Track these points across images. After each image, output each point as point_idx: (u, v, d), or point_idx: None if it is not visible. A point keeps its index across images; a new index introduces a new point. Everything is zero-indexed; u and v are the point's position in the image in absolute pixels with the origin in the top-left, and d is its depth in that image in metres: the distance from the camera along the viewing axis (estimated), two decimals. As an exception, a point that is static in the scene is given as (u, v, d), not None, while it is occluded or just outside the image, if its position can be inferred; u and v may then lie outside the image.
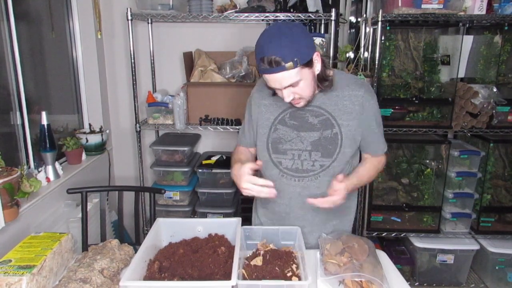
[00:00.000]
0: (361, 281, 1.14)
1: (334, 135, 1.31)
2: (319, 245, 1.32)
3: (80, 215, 1.81)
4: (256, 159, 1.46)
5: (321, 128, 1.32)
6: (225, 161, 2.63)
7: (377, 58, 2.20)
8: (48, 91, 2.38)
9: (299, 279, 1.11)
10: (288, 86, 1.20)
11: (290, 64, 1.13)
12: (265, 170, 1.41)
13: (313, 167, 1.34)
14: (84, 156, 2.42)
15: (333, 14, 2.19)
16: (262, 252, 1.23)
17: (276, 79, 1.18)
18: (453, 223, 2.48)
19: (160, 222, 1.36)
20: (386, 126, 2.28)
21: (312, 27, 2.71)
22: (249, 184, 1.23)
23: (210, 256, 1.20)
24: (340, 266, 1.18)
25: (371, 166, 1.40)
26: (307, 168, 1.34)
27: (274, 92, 1.32)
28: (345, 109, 1.31)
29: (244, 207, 2.68)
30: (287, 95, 1.22)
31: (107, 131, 2.62)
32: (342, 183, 1.23)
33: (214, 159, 2.64)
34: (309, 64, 1.18)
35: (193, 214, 2.64)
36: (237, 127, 2.39)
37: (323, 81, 1.28)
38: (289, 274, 1.13)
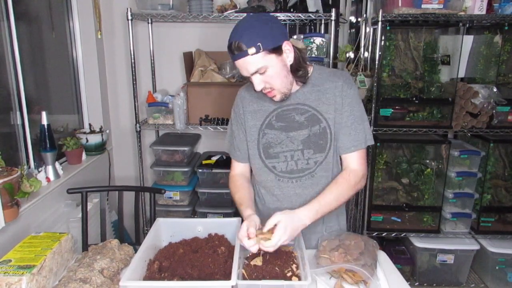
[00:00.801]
0: (353, 274, 1.15)
1: (323, 129, 1.31)
2: (318, 243, 1.33)
3: (80, 215, 1.81)
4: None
5: (309, 124, 1.31)
6: (225, 161, 2.63)
7: (377, 58, 2.20)
8: (48, 91, 2.38)
9: (299, 279, 1.11)
10: (255, 73, 1.19)
11: (252, 49, 1.14)
12: (260, 176, 1.40)
13: (308, 165, 1.33)
14: (84, 156, 2.42)
15: (333, 14, 2.19)
16: (262, 252, 1.23)
17: (241, 65, 1.19)
18: (453, 223, 2.48)
19: (160, 222, 1.36)
20: (386, 126, 2.30)
21: (312, 27, 2.71)
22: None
23: (210, 256, 1.20)
24: (332, 260, 1.20)
25: (339, 187, 1.29)
26: (303, 167, 1.34)
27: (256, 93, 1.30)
28: (328, 102, 1.30)
29: (244, 207, 2.67)
30: (257, 83, 1.22)
31: (107, 131, 2.62)
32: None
33: (214, 159, 2.64)
34: (276, 51, 1.18)
35: (193, 214, 2.64)
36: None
37: (297, 72, 1.26)
38: (289, 274, 1.13)
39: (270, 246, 1.11)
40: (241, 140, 1.42)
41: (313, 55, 2.33)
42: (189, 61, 2.61)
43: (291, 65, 1.24)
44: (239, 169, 1.48)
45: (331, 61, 2.24)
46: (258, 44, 1.14)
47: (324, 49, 2.31)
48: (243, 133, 1.40)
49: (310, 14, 2.24)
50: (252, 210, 1.28)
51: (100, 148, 2.52)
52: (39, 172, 1.99)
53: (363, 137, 1.33)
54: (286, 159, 1.34)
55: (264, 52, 1.15)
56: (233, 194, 1.41)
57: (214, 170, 2.54)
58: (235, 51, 1.16)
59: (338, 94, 1.29)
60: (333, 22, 2.21)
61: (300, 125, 1.32)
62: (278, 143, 1.33)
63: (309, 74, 1.32)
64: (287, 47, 1.20)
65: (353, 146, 1.32)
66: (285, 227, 1.13)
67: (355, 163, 1.33)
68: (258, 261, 1.19)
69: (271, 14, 1.26)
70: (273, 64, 1.19)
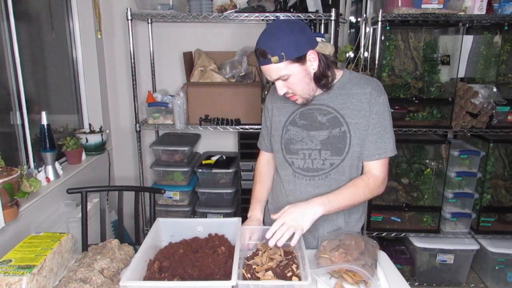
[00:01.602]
0: (353, 274, 1.15)
1: (342, 133, 1.32)
2: (319, 243, 1.33)
3: (80, 215, 1.81)
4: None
5: (330, 126, 1.33)
6: (225, 161, 2.64)
7: (377, 58, 2.20)
8: (48, 91, 2.38)
9: (299, 279, 1.11)
10: (278, 79, 1.25)
11: (275, 58, 1.18)
12: (280, 170, 1.45)
13: (323, 166, 1.35)
14: (84, 156, 2.42)
15: (333, 14, 2.19)
16: (262, 252, 1.24)
17: (265, 71, 1.25)
18: (453, 223, 2.48)
19: (160, 222, 1.36)
20: (386, 126, 2.30)
21: (312, 27, 2.71)
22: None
23: (210, 256, 1.20)
24: (332, 260, 1.21)
25: (359, 188, 1.31)
26: (317, 167, 1.35)
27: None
28: (353, 107, 1.31)
29: (244, 207, 2.67)
30: (279, 88, 1.27)
31: (107, 131, 2.62)
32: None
33: (214, 159, 2.64)
34: (300, 60, 1.21)
35: (193, 214, 2.64)
36: (237, 127, 2.40)
37: (319, 81, 1.29)
38: (289, 274, 1.13)
39: (271, 231, 1.18)
40: (267, 131, 1.52)
41: (313, 55, 2.33)
42: (189, 61, 2.61)
43: (314, 73, 1.27)
44: (264, 157, 1.58)
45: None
46: (281, 53, 1.18)
47: (324, 49, 2.31)
48: (268, 125, 1.50)
49: (310, 14, 2.24)
50: (259, 209, 1.47)
51: (100, 148, 2.52)
52: (39, 172, 1.99)
53: (389, 146, 1.33)
54: (304, 156, 1.36)
55: (287, 61, 1.19)
56: (254, 184, 1.56)
57: (214, 170, 2.54)
58: (260, 57, 1.22)
59: (366, 101, 1.30)
60: (333, 22, 2.22)
61: (321, 126, 1.34)
62: (299, 140, 1.37)
63: (336, 79, 1.34)
64: (311, 55, 1.23)
65: (378, 154, 1.32)
66: (289, 212, 1.21)
67: (377, 170, 1.34)
68: (258, 261, 1.19)
69: (299, 21, 1.28)
70: (295, 73, 1.23)
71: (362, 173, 1.37)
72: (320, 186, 1.36)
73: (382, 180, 1.34)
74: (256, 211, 1.47)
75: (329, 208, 1.25)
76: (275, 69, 1.21)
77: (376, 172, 1.34)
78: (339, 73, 1.35)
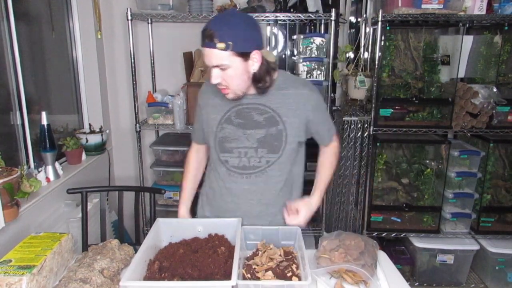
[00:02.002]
0: (353, 274, 1.16)
1: (279, 131, 1.35)
2: (319, 243, 1.33)
3: (80, 215, 1.81)
4: (209, 157, 1.54)
5: (267, 125, 1.35)
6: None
7: (377, 58, 2.20)
8: (48, 91, 2.38)
9: (299, 279, 1.11)
10: (216, 67, 1.22)
11: (222, 44, 1.16)
12: (215, 167, 1.45)
13: (259, 163, 1.37)
14: (84, 156, 2.42)
15: (333, 14, 2.19)
16: (262, 252, 1.24)
17: (206, 54, 1.21)
18: (453, 223, 2.48)
19: (160, 222, 1.36)
20: (386, 126, 2.30)
21: (312, 27, 2.71)
22: None
23: (210, 256, 1.20)
24: (332, 260, 1.21)
25: (328, 163, 1.50)
26: (254, 165, 1.37)
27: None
28: (289, 107, 1.35)
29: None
30: (215, 76, 1.25)
31: (107, 131, 2.62)
32: (301, 210, 1.39)
33: (214, 159, 2.64)
34: (243, 55, 1.21)
35: (193, 214, 2.64)
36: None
37: (256, 82, 1.30)
38: (289, 274, 1.13)
39: (297, 222, 1.36)
40: (199, 125, 1.51)
41: (313, 55, 2.33)
42: (189, 61, 2.61)
43: (254, 73, 1.28)
44: (194, 148, 1.60)
45: (331, 61, 2.25)
46: (229, 43, 1.17)
47: (324, 49, 2.31)
48: (201, 121, 1.49)
49: (310, 14, 2.24)
50: (185, 210, 1.59)
51: (100, 148, 2.52)
52: (39, 172, 1.99)
53: (332, 125, 1.49)
54: (240, 155, 1.37)
55: (232, 52, 1.18)
56: (182, 179, 1.60)
57: (214, 170, 2.54)
58: (206, 38, 1.18)
59: (302, 101, 1.36)
60: (333, 22, 2.21)
61: (258, 124, 1.35)
62: (234, 139, 1.37)
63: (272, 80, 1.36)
64: (256, 55, 1.24)
65: (329, 134, 1.47)
66: (304, 216, 1.39)
67: (334, 140, 1.50)
68: (258, 261, 1.19)
69: (256, 19, 1.30)
70: (236, 66, 1.22)
71: (323, 148, 1.50)
72: (257, 182, 1.39)
73: (338, 144, 1.53)
74: (182, 211, 1.59)
75: (320, 197, 1.47)
76: (217, 56, 1.19)
77: (334, 142, 1.50)
78: (274, 75, 1.36)
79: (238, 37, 1.17)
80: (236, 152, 1.37)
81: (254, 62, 1.25)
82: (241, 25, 1.19)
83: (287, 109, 1.35)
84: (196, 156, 1.59)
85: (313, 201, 1.44)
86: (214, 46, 1.17)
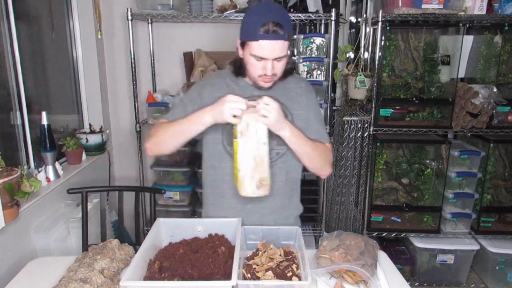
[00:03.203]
0: (353, 274, 1.16)
1: None
2: (319, 243, 1.33)
3: (80, 215, 1.81)
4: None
5: None
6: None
7: (377, 58, 2.20)
8: (48, 91, 2.38)
9: (299, 279, 1.11)
10: (275, 59, 1.21)
11: (289, 35, 1.19)
12: (220, 162, 1.40)
13: (270, 156, 1.33)
14: (84, 156, 2.42)
15: (333, 14, 2.19)
16: (262, 252, 1.24)
17: (269, 46, 1.17)
18: (453, 223, 2.48)
19: (160, 222, 1.36)
20: (386, 126, 2.30)
21: (312, 27, 2.70)
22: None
23: (210, 256, 1.20)
24: (332, 260, 1.21)
25: (318, 143, 1.39)
26: None
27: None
28: (294, 99, 1.38)
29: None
30: (271, 68, 1.22)
31: (107, 131, 2.62)
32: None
33: (214, 159, 2.64)
34: (290, 43, 1.24)
35: (193, 214, 2.64)
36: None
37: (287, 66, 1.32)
38: (289, 274, 1.13)
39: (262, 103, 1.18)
40: (183, 113, 1.35)
41: (313, 55, 2.33)
42: (189, 61, 2.61)
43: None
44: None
45: (331, 61, 2.25)
46: (290, 33, 1.19)
47: (324, 49, 2.31)
48: (189, 110, 1.34)
49: (310, 14, 2.24)
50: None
51: (100, 148, 2.52)
52: (39, 172, 1.99)
53: (325, 132, 1.44)
54: None
55: (288, 42, 1.20)
56: (167, 126, 1.32)
57: (214, 170, 2.54)
58: (271, 31, 1.15)
59: (302, 94, 1.38)
60: (333, 22, 2.22)
61: None
62: None
63: None
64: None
65: (323, 139, 1.41)
66: (275, 104, 1.19)
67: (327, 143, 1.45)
68: (258, 261, 1.19)
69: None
70: (287, 55, 1.25)
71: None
72: None
73: (330, 149, 1.44)
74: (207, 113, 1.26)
75: (294, 134, 1.27)
76: (281, 47, 1.18)
77: (328, 145, 1.43)
78: None
79: (291, 26, 1.20)
80: None
81: (290, 48, 1.28)
82: (287, 14, 1.21)
83: (293, 102, 1.37)
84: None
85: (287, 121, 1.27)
86: (283, 38, 1.16)
